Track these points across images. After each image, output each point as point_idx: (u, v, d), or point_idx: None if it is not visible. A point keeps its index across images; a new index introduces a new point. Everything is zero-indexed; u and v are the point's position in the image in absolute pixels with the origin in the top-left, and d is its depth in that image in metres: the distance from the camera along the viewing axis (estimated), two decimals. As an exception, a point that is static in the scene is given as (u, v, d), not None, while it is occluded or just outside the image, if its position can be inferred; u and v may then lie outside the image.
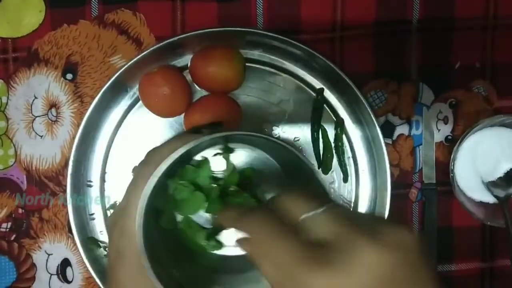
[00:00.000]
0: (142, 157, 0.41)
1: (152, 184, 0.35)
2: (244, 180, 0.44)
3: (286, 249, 0.27)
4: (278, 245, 0.27)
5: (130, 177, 0.41)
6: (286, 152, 0.38)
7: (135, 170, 0.40)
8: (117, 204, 0.40)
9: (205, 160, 0.44)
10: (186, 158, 0.43)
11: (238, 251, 0.38)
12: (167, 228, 0.42)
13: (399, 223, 0.27)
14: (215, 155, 0.43)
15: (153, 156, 0.39)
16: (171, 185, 0.39)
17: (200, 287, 0.40)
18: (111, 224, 0.39)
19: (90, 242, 0.51)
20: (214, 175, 0.44)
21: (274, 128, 0.55)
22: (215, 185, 0.43)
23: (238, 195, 0.42)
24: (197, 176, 0.43)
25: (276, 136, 0.55)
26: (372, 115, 0.52)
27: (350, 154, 0.56)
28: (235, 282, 0.42)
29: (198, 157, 0.43)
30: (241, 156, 0.49)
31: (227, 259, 0.45)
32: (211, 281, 0.41)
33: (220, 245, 0.45)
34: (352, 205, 0.56)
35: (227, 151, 0.44)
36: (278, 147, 0.37)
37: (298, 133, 0.55)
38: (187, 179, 0.42)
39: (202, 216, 0.44)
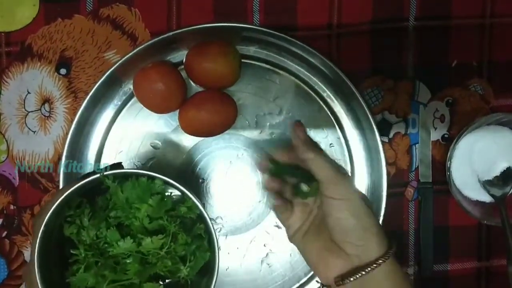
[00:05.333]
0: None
1: (39, 236, 0.41)
2: None
3: None
4: None
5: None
6: None
7: (34, 222, 0.45)
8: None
9: None
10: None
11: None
12: None
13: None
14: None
15: (45, 207, 0.43)
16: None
17: None
18: (24, 278, 0.45)
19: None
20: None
21: (268, 124, 0.55)
22: None
23: None
24: None
25: (273, 134, 0.55)
26: (368, 113, 0.52)
27: (346, 152, 0.55)
28: None
29: None
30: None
31: None
32: None
33: None
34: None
35: None
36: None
37: (294, 130, 0.55)
38: None
39: None
